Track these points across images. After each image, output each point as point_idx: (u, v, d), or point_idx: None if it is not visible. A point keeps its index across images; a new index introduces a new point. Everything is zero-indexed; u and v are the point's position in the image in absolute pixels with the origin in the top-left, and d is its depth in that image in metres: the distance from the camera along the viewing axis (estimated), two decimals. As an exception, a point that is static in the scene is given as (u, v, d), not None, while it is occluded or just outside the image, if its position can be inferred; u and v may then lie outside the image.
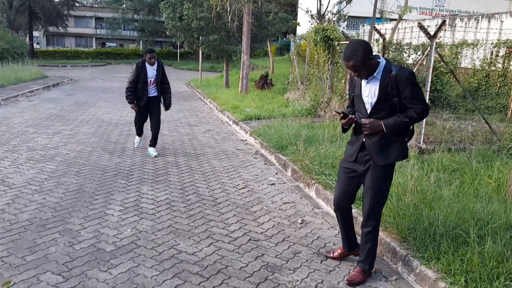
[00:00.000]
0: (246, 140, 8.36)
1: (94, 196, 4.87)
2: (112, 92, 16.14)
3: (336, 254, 3.56)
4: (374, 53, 2.92)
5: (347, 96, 9.30)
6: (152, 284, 3.07)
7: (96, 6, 57.14)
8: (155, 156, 6.79)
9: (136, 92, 6.54)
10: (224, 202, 4.84)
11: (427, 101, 6.58)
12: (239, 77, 14.90)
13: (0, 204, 4.49)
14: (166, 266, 3.34)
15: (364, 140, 3.06)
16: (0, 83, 15.83)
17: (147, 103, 6.62)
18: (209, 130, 9.36)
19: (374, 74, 2.91)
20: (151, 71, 6.52)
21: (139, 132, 7.16)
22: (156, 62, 6.56)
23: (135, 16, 47.25)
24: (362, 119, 2.96)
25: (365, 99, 3.00)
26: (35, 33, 46.30)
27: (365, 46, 2.83)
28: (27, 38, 38.95)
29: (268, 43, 23.56)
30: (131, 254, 3.50)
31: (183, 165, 6.37)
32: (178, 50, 44.87)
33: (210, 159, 6.78)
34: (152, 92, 6.64)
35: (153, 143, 6.94)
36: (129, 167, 6.14)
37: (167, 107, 6.88)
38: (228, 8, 14.79)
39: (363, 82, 2.99)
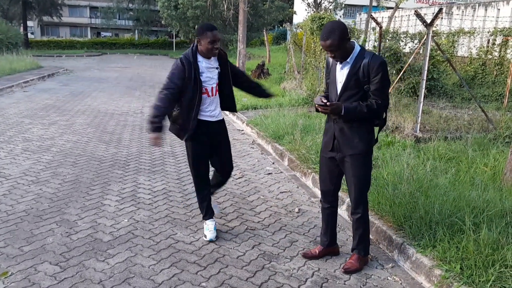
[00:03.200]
0: (242, 130, 8.35)
1: (91, 186, 4.86)
2: (108, 82, 16.05)
3: (315, 252, 3.41)
4: (351, 40, 2.92)
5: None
6: (149, 274, 3.09)
7: (91, -5, 56.46)
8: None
9: (179, 114, 3.51)
10: (221, 191, 4.85)
11: (423, 91, 6.57)
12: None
13: (-4, 195, 4.48)
14: (163, 255, 3.35)
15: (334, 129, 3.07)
16: (-5, 73, 15.69)
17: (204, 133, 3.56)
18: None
19: (348, 59, 2.90)
20: (210, 71, 3.47)
21: (207, 205, 3.77)
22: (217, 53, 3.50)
23: (130, 5, 46.82)
24: (322, 100, 2.92)
25: (338, 85, 2.99)
26: (30, 23, 45.81)
27: (342, 27, 2.82)
28: (21, 28, 38.54)
29: (264, 32, 23.42)
30: (128, 244, 3.51)
31: (180, 155, 6.36)
32: (174, 40, 44.55)
33: (206, 149, 6.76)
34: (212, 111, 3.58)
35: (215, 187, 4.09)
36: (126, 157, 6.13)
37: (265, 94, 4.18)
38: (224, -3, 14.69)
39: (338, 67, 2.98)
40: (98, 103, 11.20)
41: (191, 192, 4.78)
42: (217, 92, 3.59)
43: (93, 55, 35.25)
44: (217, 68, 3.51)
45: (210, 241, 3.59)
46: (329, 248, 3.43)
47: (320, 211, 3.48)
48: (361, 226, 3.17)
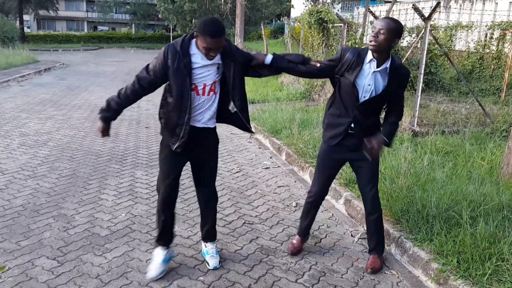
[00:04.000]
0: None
1: (88, 181, 4.85)
2: (105, 77, 15.98)
3: (297, 246, 3.37)
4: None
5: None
6: (147, 268, 3.08)
7: (87, -12, 56.12)
8: (216, 267, 3.13)
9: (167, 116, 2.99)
10: (219, 186, 4.84)
11: (420, 86, 6.57)
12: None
13: (-7, 190, 4.47)
14: (161, 250, 3.35)
15: (352, 125, 2.94)
16: (-9, 67, 15.60)
17: (190, 143, 2.86)
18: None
19: (385, 64, 2.78)
20: (205, 66, 2.77)
21: (165, 231, 3.07)
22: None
23: (127, -1, 46.54)
24: (367, 143, 2.83)
25: (365, 87, 2.81)
26: (26, 17, 45.46)
27: (401, 27, 2.75)
28: (17, 22, 38.27)
29: (262, 26, 23.34)
30: (126, 239, 3.51)
31: (177, 149, 6.33)
32: (171, 34, 44.34)
33: (204, 143, 6.75)
34: (199, 115, 2.88)
35: (211, 233, 3.23)
36: (123, 152, 6.11)
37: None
38: (221, -10, 14.62)
39: (368, 69, 2.80)
40: (95, 97, 11.15)
41: (188, 187, 4.77)
42: (214, 94, 2.83)
43: (90, 49, 35.06)
44: (218, 65, 2.79)
45: (152, 280, 2.92)
46: (304, 240, 3.46)
47: (306, 204, 3.34)
48: (381, 225, 3.19)
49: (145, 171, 5.26)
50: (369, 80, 2.81)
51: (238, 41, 14.10)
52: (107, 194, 4.47)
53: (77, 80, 14.75)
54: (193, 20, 16.48)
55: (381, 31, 2.67)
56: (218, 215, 4.01)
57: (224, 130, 7.73)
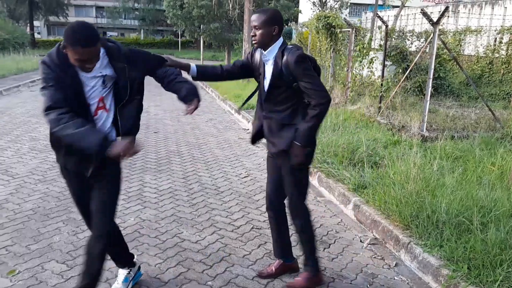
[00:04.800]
0: (248, 129, 8.34)
1: (97, 185, 4.87)
2: (114, 82, 16.09)
3: (271, 269, 3.11)
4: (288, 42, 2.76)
5: (349, 84, 9.27)
6: (156, 272, 3.09)
7: (97, -5, 56.69)
8: None
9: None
10: (227, 190, 4.85)
11: (429, 90, 6.53)
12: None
13: (4, 194, 4.51)
14: (169, 254, 3.36)
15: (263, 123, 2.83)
16: (2, 73, 15.80)
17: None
18: (211, 119, 9.35)
19: (267, 52, 2.67)
20: (90, 79, 2.33)
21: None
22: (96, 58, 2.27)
23: (136, 4, 47.02)
24: (293, 157, 2.65)
25: (266, 81, 2.74)
26: (36, 23, 46.09)
27: (278, 14, 2.68)
28: (28, 28, 38.80)
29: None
30: (134, 243, 3.52)
31: (186, 154, 6.37)
32: (180, 39, 44.65)
33: (212, 148, 6.77)
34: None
35: (124, 259, 2.92)
36: (132, 156, 6.13)
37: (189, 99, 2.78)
38: (229, -4, 14.69)
39: (265, 64, 2.74)
40: (104, 102, 11.21)
41: (197, 191, 4.78)
42: (105, 112, 2.39)
43: (99, 55, 35.32)
44: (103, 77, 2.32)
45: None
46: (288, 264, 3.12)
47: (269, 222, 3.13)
48: (306, 239, 2.94)
49: (154, 176, 5.28)
50: (267, 72, 2.73)
51: (246, 46, 14.16)
52: (116, 199, 4.48)
53: (87, 85, 14.85)
54: (201, 25, 16.58)
55: (256, 27, 2.62)
56: (227, 220, 4.03)
57: (232, 135, 7.76)
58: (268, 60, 2.70)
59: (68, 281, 2.94)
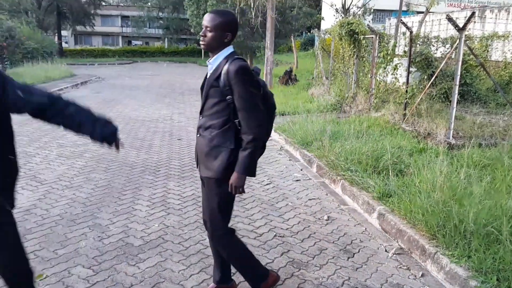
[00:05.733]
0: (270, 136, 8.34)
1: (123, 191, 4.96)
2: (138, 90, 16.38)
3: None
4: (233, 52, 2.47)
5: (373, 91, 9.18)
6: (179, 279, 3.11)
7: (122, 4, 57.92)
8: None
9: None
10: (249, 198, 4.86)
11: (456, 97, 6.39)
12: (263, 73, 14.89)
13: (32, 199, 4.63)
14: (193, 260, 3.38)
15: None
16: (31, 81, 16.27)
17: None
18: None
19: (213, 59, 2.47)
20: None
21: None
22: None
23: (160, 14, 47.78)
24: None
25: (203, 90, 2.54)
26: (64, 33, 47.35)
27: (235, 21, 2.48)
28: (56, 38, 39.93)
29: (292, 38, 23.44)
30: (158, 249, 3.55)
31: (208, 161, 6.40)
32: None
33: (235, 155, 6.78)
34: None
35: None
36: (156, 163, 6.22)
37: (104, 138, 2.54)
38: (252, 4, 14.79)
39: (208, 73, 2.54)
40: (129, 110, 11.44)
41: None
42: None
43: (124, 63, 36.11)
44: None
45: None
46: (223, 286, 2.89)
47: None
48: (222, 254, 2.74)
49: (178, 182, 5.33)
50: (207, 80, 2.53)
51: (268, 54, 14.21)
52: (140, 205, 4.55)
53: (112, 93, 15.18)
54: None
55: (208, 29, 2.41)
56: (249, 227, 4.03)
57: (255, 142, 7.76)
58: (212, 68, 2.49)
59: (93, 286, 2.99)
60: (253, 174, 2.47)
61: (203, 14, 16.70)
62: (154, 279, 3.10)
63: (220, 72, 2.39)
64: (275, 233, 3.94)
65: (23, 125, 8.85)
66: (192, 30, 18.27)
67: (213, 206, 2.57)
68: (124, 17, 57.31)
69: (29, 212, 4.27)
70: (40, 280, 3.06)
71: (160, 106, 12.21)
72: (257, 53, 17.46)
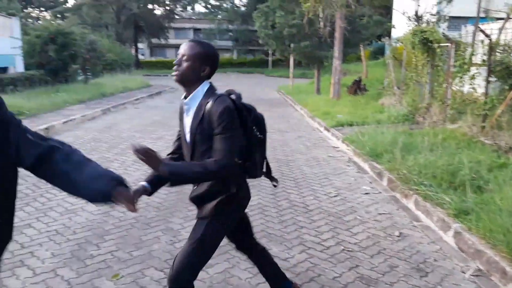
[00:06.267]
0: (338, 147, 8.22)
1: (192, 198, 5.12)
2: (208, 99, 16.90)
3: None
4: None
5: (448, 102, 8.73)
6: (246, 287, 3.15)
7: (194, 18, 60.35)
8: None
9: None
10: (316, 209, 4.80)
11: None
12: (331, 83, 14.74)
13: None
14: (259, 270, 3.40)
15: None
16: (110, 91, 17.42)
17: None
18: (300, 137, 9.37)
19: (189, 99, 2.22)
20: None
21: None
22: None
23: (230, 26, 49.17)
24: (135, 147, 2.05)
25: (187, 136, 2.26)
26: (140, 45, 50.28)
27: (216, 54, 2.25)
28: (133, 50, 42.50)
29: (361, 47, 22.97)
30: (226, 256, 3.62)
31: (275, 170, 6.43)
32: (270, 58, 45.70)
33: (301, 166, 6.77)
34: None
35: None
36: (224, 171, 6.35)
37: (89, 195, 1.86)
38: (320, 14, 14.74)
39: (185, 113, 2.28)
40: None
41: (286, 208, 4.80)
42: None
43: (194, 74, 37.39)
44: None
45: None
46: None
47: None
48: None
49: (245, 191, 5.40)
50: (186, 125, 2.26)
51: (336, 63, 14.06)
52: (209, 212, 4.67)
53: (183, 103, 15.78)
54: (290, 44, 16.85)
55: (184, 58, 2.15)
56: (316, 239, 3.98)
57: (321, 153, 7.69)
58: (189, 109, 2.23)
59: (165, 288, 3.11)
60: (173, 182, 2.16)
61: (271, 25, 16.91)
62: (222, 285, 3.16)
63: (203, 115, 2.14)
64: (342, 247, 3.85)
65: (102, 132, 9.49)
66: (260, 41, 18.55)
67: (195, 245, 2.29)
68: (196, 30, 59.61)
69: (108, 214, 4.55)
70: (117, 279, 3.24)
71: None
72: (325, 62, 17.32)
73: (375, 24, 17.03)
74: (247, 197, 2.45)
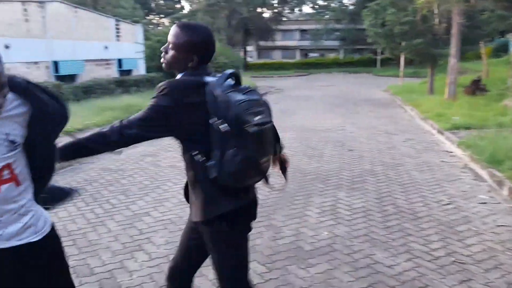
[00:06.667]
0: (452, 152, 7.64)
1: (295, 197, 5.19)
2: (313, 100, 16.91)
3: None
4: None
5: None
6: (346, 290, 3.11)
7: (301, 19, 60.68)
8: None
9: None
10: (425, 217, 4.54)
11: None
12: (446, 82, 13.74)
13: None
14: (361, 274, 3.33)
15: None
16: (220, 92, 18.31)
17: None
18: (409, 139, 8.90)
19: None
20: None
21: None
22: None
23: (337, 25, 48.47)
24: None
25: None
26: (248, 48, 52.06)
27: (207, 40, 1.93)
28: (242, 53, 44.18)
29: (481, 44, 21.01)
30: (327, 257, 3.61)
31: (381, 174, 6.22)
32: (379, 57, 44.06)
33: (409, 170, 6.44)
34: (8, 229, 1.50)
35: None
36: (327, 172, 6.33)
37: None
38: (435, 10, 13.83)
39: None
40: (304, 119, 11.89)
41: (391, 214, 4.62)
42: (15, 185, 1.50)
43: (300, 75, 37.69)
44: (6, 135, 1.44)
45: None
46: None
47: None
48: None
49: (347, 193, 5.32)
50: None
51: (452, 62, 13.07)
52: (311, 211, 4.70)
53: (289, 104, 16.01)
54: (401, 42, 16.07)
55: (170, 46, 1.92)
56: (424, 248, 3.78)
57: (433, 158, 7.23)
58: None
59: (267, 282, 3.21)
60: (61, 158, 1.78)
61: (381, 24, 16.30)
62: (322, 286, 3.16)
63: None
64: (453, 259, 3.59)
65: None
66: (369, 40, 18.00)
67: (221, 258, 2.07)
68: (302, 31, 59.91)
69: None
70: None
71: (332, 116, 12.37)
72: (439, 61, 16.17)
73: (498, 19, 15.43)
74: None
